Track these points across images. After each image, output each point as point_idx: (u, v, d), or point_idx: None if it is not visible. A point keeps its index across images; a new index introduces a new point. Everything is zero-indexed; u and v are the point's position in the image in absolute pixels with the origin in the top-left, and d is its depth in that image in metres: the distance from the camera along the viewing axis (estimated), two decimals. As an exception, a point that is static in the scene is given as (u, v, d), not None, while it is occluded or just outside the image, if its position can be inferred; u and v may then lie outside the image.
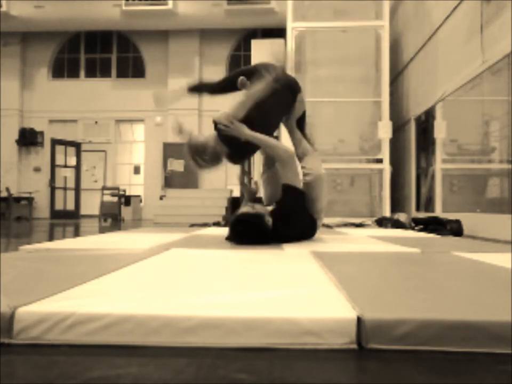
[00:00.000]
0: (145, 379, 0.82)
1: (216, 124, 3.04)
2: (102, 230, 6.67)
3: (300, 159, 3.28)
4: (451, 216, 5.05)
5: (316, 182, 3.12)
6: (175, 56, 14.31)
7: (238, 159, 3.19)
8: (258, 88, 3.05)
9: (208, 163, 3.09)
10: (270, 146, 3.04)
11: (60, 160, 14.05)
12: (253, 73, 3.21)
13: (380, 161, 7.36)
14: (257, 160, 7.44)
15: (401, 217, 5.68)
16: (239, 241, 2.76)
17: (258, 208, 2.80)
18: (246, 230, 2.72)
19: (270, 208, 2.95)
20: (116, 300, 1.15)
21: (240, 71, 3.46)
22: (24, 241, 4.16)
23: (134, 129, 15.46)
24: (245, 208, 2.82)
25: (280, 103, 3.22)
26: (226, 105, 3.29)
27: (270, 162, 3.43)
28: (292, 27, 7.65)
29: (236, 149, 3.09)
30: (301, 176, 3.15)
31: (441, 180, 6.62)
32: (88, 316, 1.01)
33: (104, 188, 12.83)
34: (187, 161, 3.12)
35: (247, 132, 2.94)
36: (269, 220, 2.75)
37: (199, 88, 3.78)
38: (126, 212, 13.11)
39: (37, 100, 14.69)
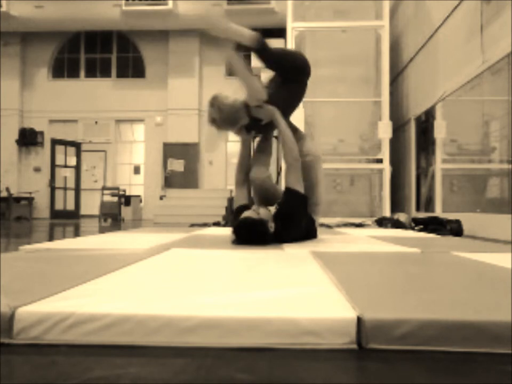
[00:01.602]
0: (145, 379, 0.82)
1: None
2: (102, 230, 6.67)
3: (297, 141, 3.31)
4: (451, 216, 5.04)
5: (316, 163, 3.20)
6: (175, 56, 14.31)
7: (247, 134, 3.19)
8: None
9: (222, 125, 3.09)
10: (288, 142, 3.05)
11: (59, 160, 14.04)
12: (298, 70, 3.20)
13: (380, 161, 7.36)
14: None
15: (401, 217, 5.68)
16: (241, 243, 2.77)
17: (262, 213, 2.79)
18: (249, 234, 2.72)
19: (272, 208, 2.94)
20: (116, 300, 1.15)
21: (294, 64, 3.23)
22: (24, 241, 4.16)
23: (134, 129, 15.46)
24: (248, 213, 2.80)
25: (299, 98, 3.34)
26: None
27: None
28: (292, 27, 7.65)
29: (254, 125, 3.12)
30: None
31: (441, 179, 6.62)
32: (88, 315, 1.01)
33: (104, 188, 12.83)
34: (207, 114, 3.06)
35: (278, 116, 3.02)
36: (272, 226, 2.75)
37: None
38: (126, 212, 13.10)
39: (37, 100, 14.70)
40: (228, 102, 3.01)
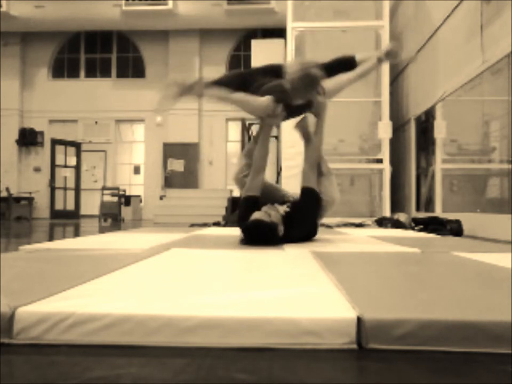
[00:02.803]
0: (145, 379, 0.82)
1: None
2: (102, 230, 6.67)
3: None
4: (451, 216, 5.04)
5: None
6: (175, 56, 14.31)
7: (282, 118, 3.07)
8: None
9: (296, 90, 2.85)
10: (318, 145, 3.07)
11: (60, 160, 14.04)
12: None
13: (380, 161, 7.36)
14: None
15: (401, 217, 5.67)
16: (248, 244, 2.76)
17: (273, 215, 2.75)
18: (259, 236, 2.69)
19: (282, 209, 2.91)
20: (116, 300, 1.15)
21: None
22: (24, 241, 4.16)
23: (134, 129, 15.45)
24: (259, 214, 2.74)
25: None
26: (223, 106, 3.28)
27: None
28: (292, 27, 7.65)
29: (305, 106, 3.04)
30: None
31: (441, 179, 6.62)
32: (88, 316, 1.01)
33: (104, 188, 12.82)
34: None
35: (325, 115, 3.08)
36: (281, 230, 2.74)
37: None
38: (126, 212, 13.10)
39: (37, 100, 14.69)
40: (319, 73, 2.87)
